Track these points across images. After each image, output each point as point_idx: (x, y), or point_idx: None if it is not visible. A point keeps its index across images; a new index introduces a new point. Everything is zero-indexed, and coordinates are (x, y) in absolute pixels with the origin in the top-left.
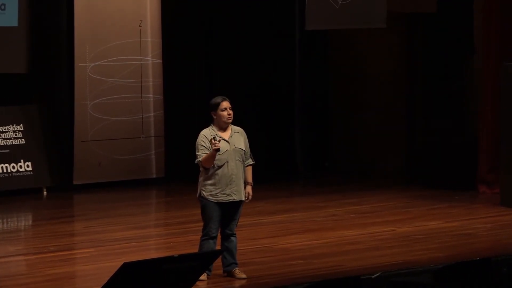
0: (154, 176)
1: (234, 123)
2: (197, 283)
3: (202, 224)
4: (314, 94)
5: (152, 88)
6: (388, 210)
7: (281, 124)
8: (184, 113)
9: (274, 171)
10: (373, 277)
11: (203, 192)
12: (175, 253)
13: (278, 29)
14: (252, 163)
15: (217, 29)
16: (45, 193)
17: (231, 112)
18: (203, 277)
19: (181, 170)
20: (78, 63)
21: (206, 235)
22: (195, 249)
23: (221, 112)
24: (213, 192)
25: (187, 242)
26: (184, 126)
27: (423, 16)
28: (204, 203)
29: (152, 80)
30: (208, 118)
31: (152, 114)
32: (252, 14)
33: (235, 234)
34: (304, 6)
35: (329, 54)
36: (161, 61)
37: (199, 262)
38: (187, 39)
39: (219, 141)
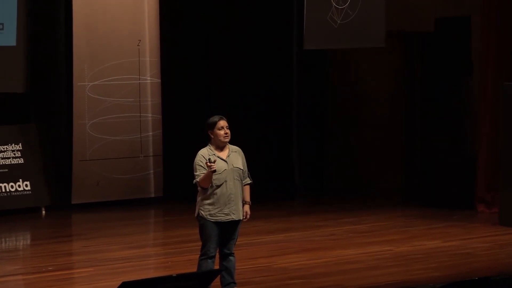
0: (153, 195)
1: (232, 142)
2: None
3: (200, 243)
4: (312, 113)
5: (151, 108)
6: (387, 229)
7: (279, 142)
8: (183, 132)
9: (272, 190)
10: None
11: (202, 212)
12: (173, 272)
13: (276, 47)
14: (250, 182)
15: (215, 49)
16: (43, 212)
17: (228, 131)
18: None
19: (180, 190)
20: (76, 83)
21: (205, 255)
22: (194, 269)
23: (218, 131)
24: (211, 212)
25: (186, 262)
26: (182, 145)
27: (421, 36)
28: (202, 223)
29: (151, 99)
30: (206, 137)
31: (151, 133)
32: (250, 33)
33: (233, 253)
34: (303, 25)
35: (328, 73)
36: (159, 80)
37: (198, 281)
38: (186, 59)
39: (214, 161)
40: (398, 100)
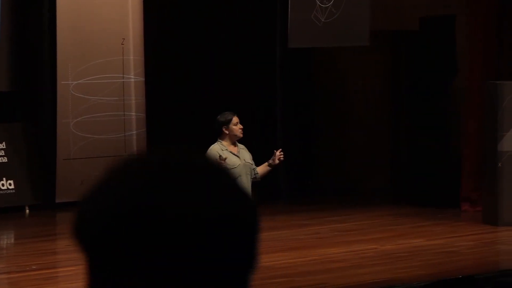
0: None
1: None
2: None
3: None
4: (297, 112)
5: (135, 106)
6: (372, 228)
7: (264, 141)
8: (167, 131)
9: (256, 188)
10: None
11: None
12: None
13: (261, 47)
14: (259, 178)
15: (199, 48)
16: (27, 211)
17: (241, 126)
18: None
19: None
20: (60, 81)
21: None
22: None
23: (234, 127)
24: None
25: None
26: (166, 144)
27: (406, 35)
28: None
29: (135, 98)
30: (191, 136)
31: (135, 132)
32: (234, 33)
33: None
34: (286, 24)
35: (313, 72)
36: (143, 79)
37: None
38: (170, 57)
39: (225, 159)
40: (384, 100)
